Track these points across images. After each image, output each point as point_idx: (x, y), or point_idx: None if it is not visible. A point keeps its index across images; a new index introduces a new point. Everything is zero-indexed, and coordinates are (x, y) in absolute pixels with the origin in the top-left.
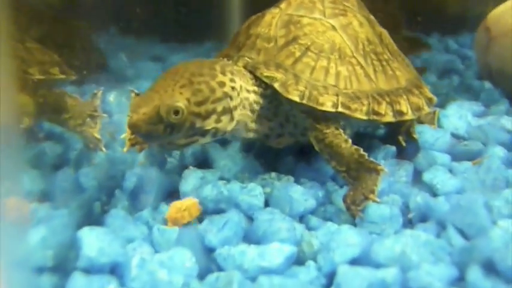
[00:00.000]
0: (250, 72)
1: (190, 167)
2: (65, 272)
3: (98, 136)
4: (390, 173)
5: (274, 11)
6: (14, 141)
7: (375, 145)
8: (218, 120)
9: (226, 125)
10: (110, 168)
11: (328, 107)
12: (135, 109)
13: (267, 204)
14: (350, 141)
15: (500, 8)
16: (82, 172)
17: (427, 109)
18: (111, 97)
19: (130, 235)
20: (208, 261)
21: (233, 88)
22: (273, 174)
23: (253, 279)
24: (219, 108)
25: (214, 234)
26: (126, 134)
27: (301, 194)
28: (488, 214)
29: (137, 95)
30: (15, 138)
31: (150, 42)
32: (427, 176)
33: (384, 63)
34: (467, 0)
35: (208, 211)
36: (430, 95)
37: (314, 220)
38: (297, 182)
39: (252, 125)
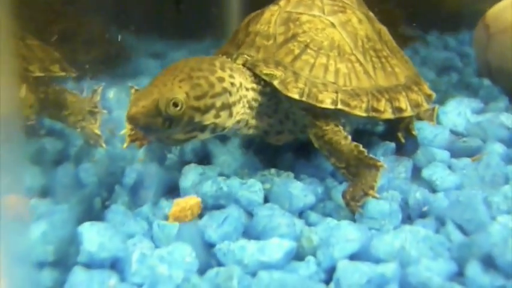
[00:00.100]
0: (249, 69)
1: (192, 164)
2: (66, 266)
3: (98, 132)
4: (389, 169)
5: (273, 8)
6: (14, 137)
7: (374, 142)
8: (217, 116)
9: (225, 120)
10: (110, 164)
11: (327, 104)
12: (135, 102)
13: (266, 200)
14: (349, 137)
15: (499, 5)
16: (82, 168)
17: (426, 106)
18: (111, 93)
19: (130, 230)
20: (208, 256)
21: (232, 84)
22: (273, 170)
23: (253, 274)
24: (218, 103)
25: (214, 230)
26: (125, 130)
27: (300, 190)
28: (487, 210)
29: (137, 91)
30: (16, 134)
31: (149, 39)
32: (426, 172)
33: (383, 60)
34: None
35: (207, 207)
36: (429, 91)
37: (313, 216)
38: (296, 178)
39: (252, 122)
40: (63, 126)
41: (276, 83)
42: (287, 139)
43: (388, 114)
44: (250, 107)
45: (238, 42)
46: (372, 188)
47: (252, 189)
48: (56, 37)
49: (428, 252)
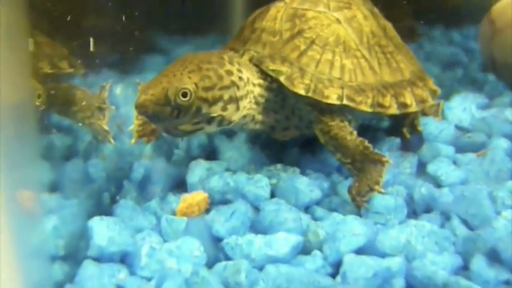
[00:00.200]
0: (256, 65)
1: (199, 159)
2: (76, 260)
3: (106, 128)
4: (395, 165)
5: (279, 4)
6: (26, 133)
7: (379, 137)
8: (224, 108)
9: (232, 114)
10: (118, 160)
11: (333, 99)
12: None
13: (273, 195)
14: (355, 133)
15: (505, 1)
16: (91, 163)
17: (431, 101)
18: (118, 90)
19: (139, 225)
20: (216, 250)
21: (240, 78)
22: (279, 165)
23: (260, 268)
24: (226, 96)
25: (221, 224)
26: (133, 126)
27: (306, 185)
28: (492, 205)
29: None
30: (27, 129)
31: (154, 34)
32: (431, 168)
33: (388, 55)
34: None
35: (215, 202)
36: (434, 87)
37: (319, 211)
38: (302, 173)
39: (259, 117)
40: (71, 122)
41: (282, 78)
42: (293, 135)
43: (393, 110)
44: (257, 103)
45: (244, 38)
46: (378, 183)
47: (258, 184)
48: (64, 33)
49: (433, 247)
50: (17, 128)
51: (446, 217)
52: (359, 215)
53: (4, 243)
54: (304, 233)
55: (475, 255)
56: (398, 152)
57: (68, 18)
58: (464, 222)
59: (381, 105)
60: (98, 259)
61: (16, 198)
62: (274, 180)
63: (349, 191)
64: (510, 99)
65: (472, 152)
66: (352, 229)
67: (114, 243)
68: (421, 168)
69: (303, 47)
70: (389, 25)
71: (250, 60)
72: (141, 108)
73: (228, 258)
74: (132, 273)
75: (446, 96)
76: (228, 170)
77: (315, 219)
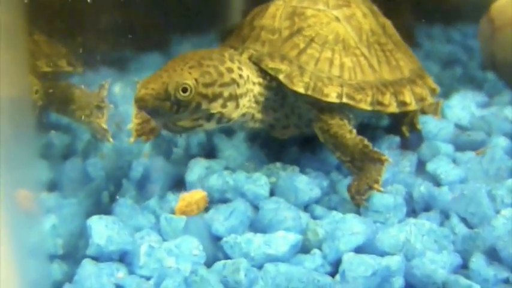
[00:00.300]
0: (255, 64)
1: (198, 157)
2: (75, 259)
3: (105, 127)
4: (394, 163)
5: (278, 2)
6: (24, 132)
7: (378, 135)
8: (224, 106)
9: (231, 111)
10: (117, 159)
11: (332, 98)
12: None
13: (272, 193)
14: (354, 131)
15: None
16: (90, 162)
17: (430, 99)
18: (117, 88)
19: (138, 224)
20: (215, 249)
21: (241, 76)
22: (278, 164)
23: (259, 266)
24: (226, 93)
25: (220, 223)
26: (132, 125)
27: (306, 184)
28: (491, 203)
29: None
30: (25, 128)
31: (152, 33)
32: (430, 166)
33: (388, 53)
34: None
35: (214, 200)
36: (434, 85)
37: (319, 209)
38: (301, 171)
39: (258, 116)
40: (70, 121)
41: (281, 77)
42: (293, 133)
43: (393, 108)
44: (257, 101)
45: (244, 36)
46: (377, 181)
47: (257, 183)
48: (63, 31)
49: (432, 245)
50: (16, 127)
51: (445, 216)
52: (358, 213)
53: (3, 242)
54: (304, 231)
55: (474, 253)
56: (397, 151)
57: (67, 17)
58: (464, 220)
59: (380, 104)
60: (97, 258)
61: (14, 197)
62: (274, 178)
63: (349, 190)
64: (510, 97)
65: (472, 150)
66: (351, 228)
67: (113, 242)
68: (420, 167)
69: (302, 45)
70: (388, 23)
71: (250, 58)
72: (140, 102)
73: (227, 257)
74: (131, 272)
75: (446, 94)
76: (227, 168)
77: (314, 217)
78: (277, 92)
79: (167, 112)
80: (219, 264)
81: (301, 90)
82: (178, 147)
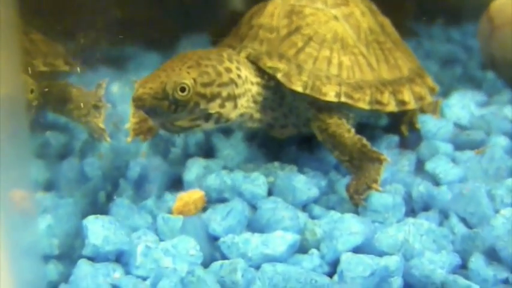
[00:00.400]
0: (253, 62)
1: (196, 157)
2: (71, 260)
3: (103, 126)
4: (393, 163)
5: (276, 1)
6: (20, 132)
7: (377, 135)
8: (222, 106)
9: (229, 111)
10: (114, 158)
11: (331, 97)
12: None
13: (270, 193)
14: (353, 130)
15: None
16: (87, 162)
17: (429, 99)
18: (115, 87)
19: (135, 224)
20: (213, 249)
21: (239, 76)
22: (276, 163)
23: (257, 267)
24: (224, 93)
25: (218, 223)
26: (129, 124)
27: (304, 183)
28: (490, 203)
29: None
30: (21, 128)
31: (149, 32)
32: (429, 165)
33: (386, 52)
34: None
35: (211, 200)
36: (433, 84)
37: (317, 209)
38: (300, 171)
39: (257, 115)
40: (67, 120)
41: (279, 76)
42: (291, 132)
43: (392, 107)
44: (255, 101)
45: (242, 35)
46: (375, 181)
47: (255, 182)
48: (59, 31)
49: (431, 245)
50: (11, 126)
51: (444, 215)
52: (357, 213)
53: None
54: (302, 231)
55: (473, 253)
56: (396, 150)
57: (63, 15)
58: (463, 220)
59: (379, 103)
60: (93, 258)
61: (10, 197)
62: (272, 178)
63: (347, 189)
64: (509, 96)
65: (471, 149)
66: (349, 227)
67: (109, 242)
68: (419, 166)
69: (300, 44)
70: (387, 21)
71: (248, 57)
72: (138, 101)
73: (224, 257)
74: (127, 272)
75: (445, 93)
76: (225, 168)
77: (312, 217)
78: (275, 91)
79: (165, 112)
80: (216, 265)
81: (300, 89)
82: (176, 146)
